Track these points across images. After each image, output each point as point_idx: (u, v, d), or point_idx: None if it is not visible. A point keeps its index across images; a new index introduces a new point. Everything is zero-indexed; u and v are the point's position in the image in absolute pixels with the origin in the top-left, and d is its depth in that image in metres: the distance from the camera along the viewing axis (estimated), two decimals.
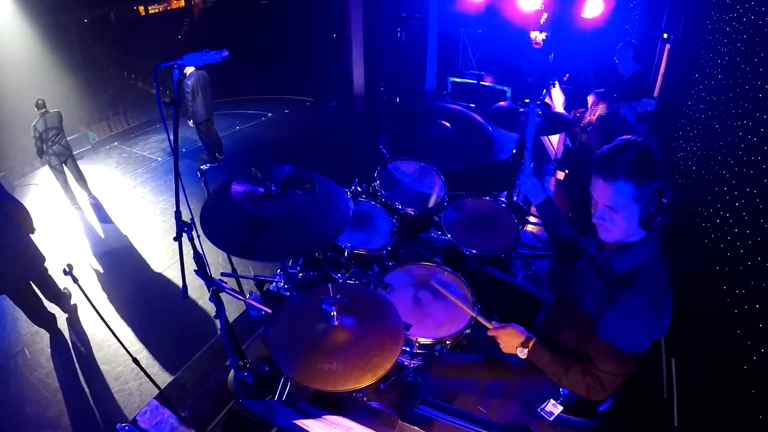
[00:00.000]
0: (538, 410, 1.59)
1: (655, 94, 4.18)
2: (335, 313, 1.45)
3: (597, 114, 3.78)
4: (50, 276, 3.51)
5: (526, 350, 1.51)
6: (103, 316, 2.00)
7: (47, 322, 3.55)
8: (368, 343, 1.44)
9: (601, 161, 1.29)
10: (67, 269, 1.85)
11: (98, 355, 3.48)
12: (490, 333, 1.61)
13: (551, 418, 1.58)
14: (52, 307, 3.65)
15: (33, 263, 3.27)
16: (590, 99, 3.91)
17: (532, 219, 3.46)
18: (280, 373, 2.08)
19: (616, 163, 1.25)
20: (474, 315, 1.72)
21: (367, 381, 1.34)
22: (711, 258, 2.22)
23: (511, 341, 1.54)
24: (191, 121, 5.84)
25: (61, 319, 3.71)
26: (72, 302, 3.80)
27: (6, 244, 3.04)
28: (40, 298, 3.48)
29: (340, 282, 2.20)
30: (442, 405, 1.80)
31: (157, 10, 8.77)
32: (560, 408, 1.56)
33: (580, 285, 1.51)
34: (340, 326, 1.47)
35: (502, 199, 2.97)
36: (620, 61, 3.62)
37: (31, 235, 3.28)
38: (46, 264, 3.39)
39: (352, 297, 1.52)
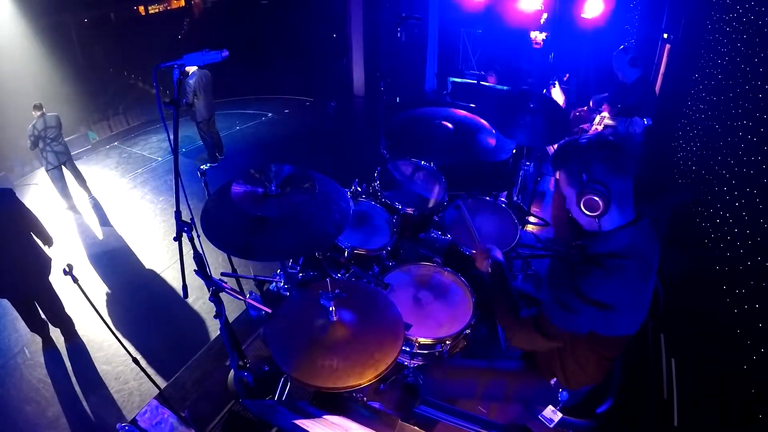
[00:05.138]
0: (539, 417, 1.60)
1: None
2: (333, 308, 1.44)
3: (603, 125, 3.75)
4: (56, 296, 3.42)
5: (490, 265, 1.69)
6: (102, 316, 2.01)
7: (40, 329, 3.50)
8: (368, 338, 1.43)
9: None
10: (67, 269, 1.85)
11: (98, 355, 3.48)
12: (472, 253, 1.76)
13: (552, 426, 1.59)
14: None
15: (37, 278, 3.23)
16: (591, 105, 3.88)
17: (532, 219, 3.46)
18: (280, 373, 2.07)
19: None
20: (476, 240, 2.00)
21: (368, 377, 1.31)
22: (711, 258, 2.22)
23: (483, 258, 1.75)
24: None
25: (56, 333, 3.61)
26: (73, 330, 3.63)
27: (12, 253, 3.02)
28: (38, 310, 3.40)
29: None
30: (443, 405, 1.80)
31: (157, 10, 8.78)
32: (560, 415, 1.58)
33: (549, 280, 1.54)
34: (339, 321, 1.45)
35: (502, 199, 2.97)
36: (618, 69, 3.50)
37: (46, 248, 3.28)
38: (54, 287, 3.35)
39: (350, 292, 1.51)
